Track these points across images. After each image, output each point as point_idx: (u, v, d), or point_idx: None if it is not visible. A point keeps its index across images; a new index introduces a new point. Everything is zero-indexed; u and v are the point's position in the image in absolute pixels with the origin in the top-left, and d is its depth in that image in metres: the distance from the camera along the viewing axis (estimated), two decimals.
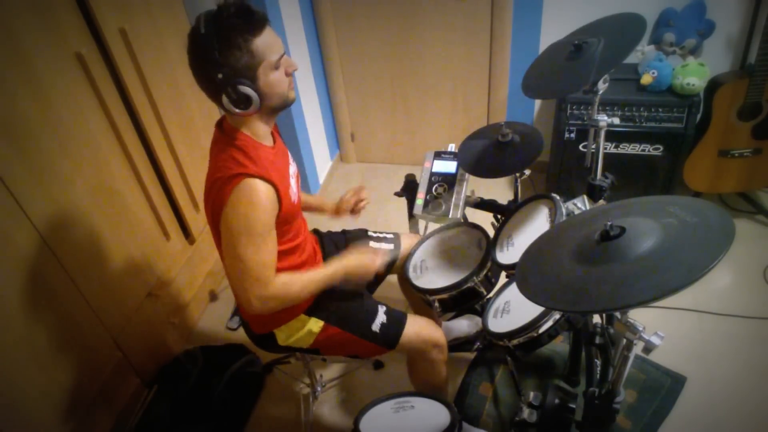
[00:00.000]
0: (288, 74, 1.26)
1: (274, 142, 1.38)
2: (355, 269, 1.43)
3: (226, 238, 1.25)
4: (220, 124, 1.34)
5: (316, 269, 1.40)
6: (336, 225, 1.82)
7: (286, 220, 1.34)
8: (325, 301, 1.51)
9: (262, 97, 1.21)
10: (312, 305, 1.50)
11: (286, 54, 1.24)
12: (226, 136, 1.29)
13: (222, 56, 1.13)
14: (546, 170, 2.73)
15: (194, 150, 2.28)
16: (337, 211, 1.73)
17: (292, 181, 1.40)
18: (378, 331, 1.50)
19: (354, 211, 1.71)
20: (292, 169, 1.44)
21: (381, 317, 1.52)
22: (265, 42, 1.18)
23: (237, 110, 1.20)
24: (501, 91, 2.83)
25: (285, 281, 1.32)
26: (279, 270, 1.34)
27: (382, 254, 1.51)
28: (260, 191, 1.21)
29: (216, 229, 1.34)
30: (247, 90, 1.17)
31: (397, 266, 1.77)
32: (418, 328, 1.53)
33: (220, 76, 1.15)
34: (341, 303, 1.53)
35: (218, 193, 1.23)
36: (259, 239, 1.24)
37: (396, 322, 1.52)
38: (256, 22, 1.16)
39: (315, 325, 1.50)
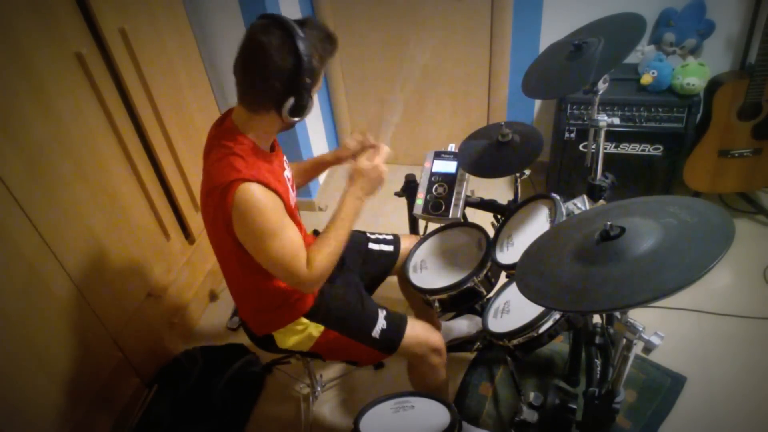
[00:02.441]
0: None
1: (273, 150, 1.38)
2: (370, 188, 1.38)
3: (250, 247, 1.27)
4: (219, 123, 1.34)
5: (338, 215, 1.35)
6: None
7: None
8: (326, 306, 1.51)
9: None
10: (312, 309, 1.50)
11: None
12: (226, 137, 1.27)
13: (312, 64, 1.17)
14: (546, 170, 2.73)
15: (194, 150, 2.28)
16: (340, 159, 1.63)
17: (289, 185, 1.41)
18: (378, 337, 1.50)
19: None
20: (288, 173, 1.44)
21: (381, 323, 1.51)
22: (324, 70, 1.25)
23: (291, 117, 1.22)
24: (501, 91, 2.83)
25: (322, 251, 1.31)
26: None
27: (380, 157, 1.40)
28: (257, 194, 1.21)
29: (215, 232, 1.35)
30: (311, 102, 1.22)
31: (397, 266, 1.77)
32: (416, 333, 1.53)
33: (307, 80, 1.17)
34: (342, 308, 1.53)
35: (220, 203, 1.22)
36: (280, 235, 1.25)
37: (396, 327, 1.52)
38: (335, 47, 1.24)
39: (315, 329, 1.50)
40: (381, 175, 1.38)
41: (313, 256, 1.31)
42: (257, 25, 1.17)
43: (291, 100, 1.19)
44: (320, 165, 1.68)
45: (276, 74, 1.17)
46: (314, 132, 2.93)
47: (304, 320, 1.49)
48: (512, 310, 1.49)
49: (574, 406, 1.46)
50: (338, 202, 1.37)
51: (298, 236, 1.30)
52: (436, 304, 1.56)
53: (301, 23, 1.18)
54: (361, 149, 1.53)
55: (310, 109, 1.24)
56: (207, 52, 2.47)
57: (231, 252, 1.32)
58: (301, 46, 1.14)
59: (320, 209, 3.01)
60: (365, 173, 1.37)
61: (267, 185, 1.23)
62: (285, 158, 1.47)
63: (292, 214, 1.37)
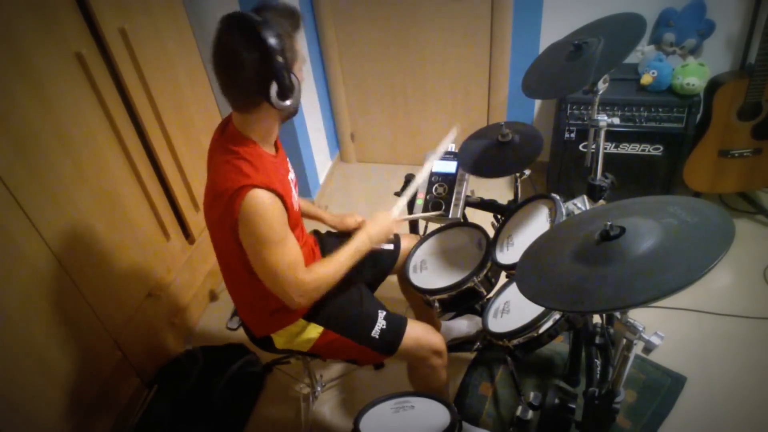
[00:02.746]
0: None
1: (276, 151, 1.39)
2: (377, 235, 1.49)
3: (250, 252, 1.28)
4: (223, 128, 1.34)
5: (344, 248, 1.43)
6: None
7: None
8: (325, 307, 1.51)
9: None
10: (311, 311, 1.49)
11: None
12: (230, 141, 1.28)
13: (281, 42, 1.16)
14: (546, 170, 2.73)
15: (194, 150, 2.28)
16: (336, 226, 1.75)
17: (293, 188, 1.41)
18: (377, 337, 1.50)
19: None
20: (291, 175, 1.44)
21: (380, 323, 1.51)
22: (299, 42, 1.23)
23: (281, 101, 1.20)
24: (501, 91, 2.83)
25: (318, 272, 1.36)
26: None
27: (398, 218, 1.57)
28: (266, 202, 1.22)
29: (219, 235, 1.35)
30: (295, 80, 1.21)
31: (397, 266, 1.77)
32: (417, 334, 1.53)
33: (280, 59, 1.16)
34: (341, 309, 1.53)
35: (227, 208, 1.23)
36: (280, 245, 1.26)
37: (395, 328, 1.52)
38: (299, 19, 1.22)
39: (314, 330, 1.50)
40: (391, 227, 1.52)
41: (317, 270, 1.35)
42: (220, 30, 1.18)
43: (274, 85, 1.18)
44: (314, 216, 1.75)
45: (249, 67, 1.17)
46: (314, 131, 2.94)
47: (303, 321, 1.49)
48: (512, 310, 1.49)
49: (574, 406, 1.46)
50: (352, 238, 1.46)
51: (297, 249, 1.32)
52: (437, 304, 1.56)
53: (259, 9, 1.18)
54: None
55: (299, 90, 1.22)
56: (207, 52, 2.46)
57: (234, 255, 1.32)
58: (263, 32, 1.14)
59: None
60: (379, 220, 1.51)
61: (275, 192, 1.24)
62: (288, 161, 1.48)
63: (295, 217, 1.37)
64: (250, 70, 1.17)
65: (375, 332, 1.50)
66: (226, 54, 1.18)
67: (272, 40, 1.14)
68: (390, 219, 1.53)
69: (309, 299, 1.37)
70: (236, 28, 1.16)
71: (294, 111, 1.30)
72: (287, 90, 1.20)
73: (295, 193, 1.42)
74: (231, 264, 1.41)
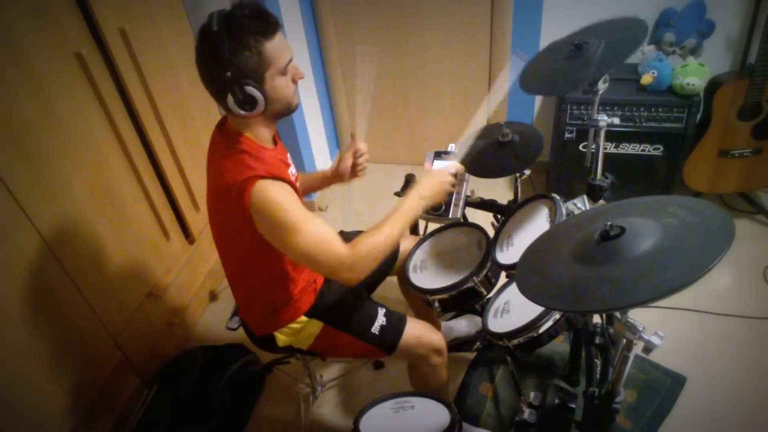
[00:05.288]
0: (294, 81, 1.27)
1: (275, 145, 1.39)
2: (430, 192, 1.41)
3: (276, 242, 1.25)
4: (220, 126, 1.34)
5: (390, 213, 1.34)
6: (335, 226, 1.81)
7: None
8: (325, 303, 1.51)
9: (267, 101, 1.21)
10: (312, 307, 1.50)
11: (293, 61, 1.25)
12: (228, 139, 1.28)
13: (232, 55, 1.14)
14: (546, 170, 2.73)
15: (194, 150, 2.28)
16: (338, 176, 1.65)
17: (293, 180, 1.41)
18: (377, 333, 1.50)
19: (354, 170, 1.63)
20: (293, 170, 1.44)
21: (380, 319, 1.51)
22: (275, 46, 1.18)
23: (241, 111, 1.20)
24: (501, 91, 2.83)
25: (362, 244, 1.28)
26: (287, 272, 1.35)
27: (450, 167, 1.49)
28: (274, 188, 1.21)
29: (226, 233, 1.34)
30: (254, 91, 1.18)
31: (397, 266, 1.77)
32: (418, 332, 1.53)
33: (228, 74, 1.15)
34: (341, 305, 1.53)
35: (236, 203, 1.21)
36: (302, 225, 1.22)
37: (395, 324, 1.52)
38: (269, 25, 1.17)
39: (315, 326, 1.50)
40: (445, 183, 1.43)
41: (360, 239, 1.28)
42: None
43: (229, 98, 1.18)
44: (320, 184, 1.70)
45: (205, 79, 1.20)
46: (314, 131, 2.93)
47: (304, 318, 1.49)
48: (512, 310, 1.49)
49: (574, 406, 1.46)
50: (405, 197, 1.39)
51: (322, 225, 1.27)
52: (436, 304, 1.56)
53: (226, 15, 1.15)
54: (355, 160, 1.61)
55: (261, 99, 1.19)
56: None
57: (240, 252, 1.31)
58: (214, 44, 1.14)
59: (320, 209, 3.01)
60: (433, 176, 1.42)
61: (281, 178, 1.23)
62: (289, 155, 1.48)
63: None
64: (207, 82, 1.21)
65: (375, 328, 1.50)
66: (199, 67, 1.20)
67: (222, 54, 1.13)
68: (445, 174, 1.43)
69: (360, 272, 1.28)
70: (198, 39, 1.18)
71: (282, 111, 1.28)
72: (242, 102, 1.19)
73: (297, 186, 1.42)
74: (235, 262, 1.40)
